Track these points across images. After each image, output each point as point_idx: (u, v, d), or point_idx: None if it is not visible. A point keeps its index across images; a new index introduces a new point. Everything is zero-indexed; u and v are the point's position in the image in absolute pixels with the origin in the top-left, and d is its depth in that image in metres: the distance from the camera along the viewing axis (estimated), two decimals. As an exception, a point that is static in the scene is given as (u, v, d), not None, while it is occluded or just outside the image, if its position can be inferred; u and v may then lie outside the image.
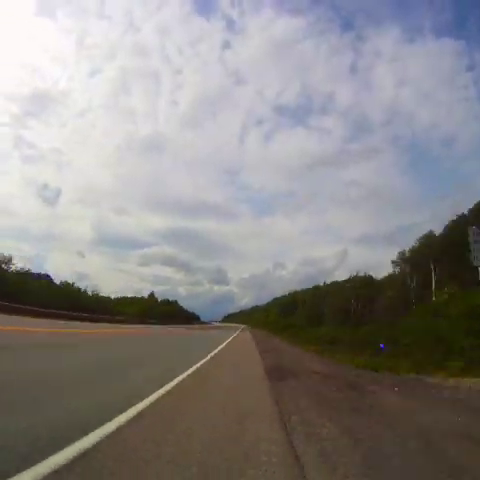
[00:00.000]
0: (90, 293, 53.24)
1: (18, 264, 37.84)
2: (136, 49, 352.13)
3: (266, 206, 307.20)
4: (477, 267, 12.90)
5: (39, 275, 48.04)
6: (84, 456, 2.35)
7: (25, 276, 38.72)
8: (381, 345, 13.80)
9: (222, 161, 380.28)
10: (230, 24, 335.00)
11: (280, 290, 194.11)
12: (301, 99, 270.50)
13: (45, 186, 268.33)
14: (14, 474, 1.99)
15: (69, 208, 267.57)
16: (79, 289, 50.36)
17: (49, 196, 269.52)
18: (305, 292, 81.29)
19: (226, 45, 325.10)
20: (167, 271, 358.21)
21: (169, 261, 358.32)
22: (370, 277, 53.47)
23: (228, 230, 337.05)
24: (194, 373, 6.83)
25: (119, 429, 3.00)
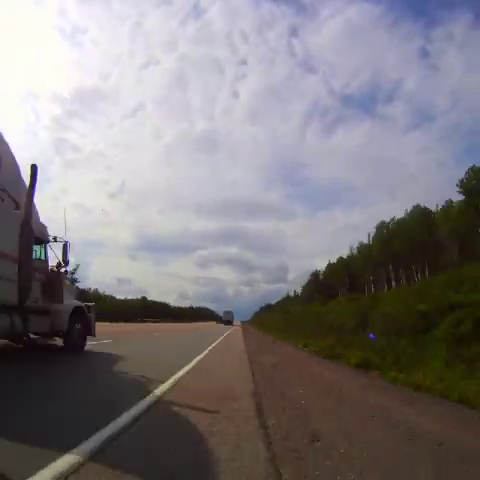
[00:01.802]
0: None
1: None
2: (199, 36, 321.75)
3: (324, 201, 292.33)
4: None
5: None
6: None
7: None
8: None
9: (281, 155, 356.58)
10: (301, 9, 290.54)
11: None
12: (368, 88, 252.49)
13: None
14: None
15: (116, 213, 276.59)
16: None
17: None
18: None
19: (295, 32, 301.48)
20: (219, 272, 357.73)
21: (224, 261, 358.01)
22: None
23: (285, 227, 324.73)
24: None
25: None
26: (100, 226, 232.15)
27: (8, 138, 6.36)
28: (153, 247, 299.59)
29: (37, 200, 6.99)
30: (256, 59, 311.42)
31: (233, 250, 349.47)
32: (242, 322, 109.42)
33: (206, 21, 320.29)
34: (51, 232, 8.59)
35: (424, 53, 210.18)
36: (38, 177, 6.72)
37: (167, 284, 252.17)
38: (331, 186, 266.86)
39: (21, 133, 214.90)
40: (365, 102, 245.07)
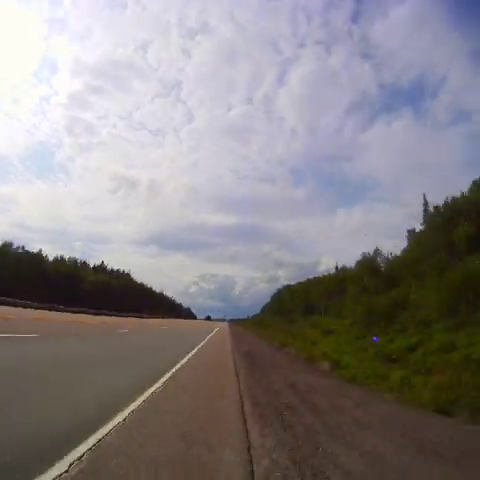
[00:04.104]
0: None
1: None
2: (264, 7, 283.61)
3: (354, 197, 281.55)
4: None
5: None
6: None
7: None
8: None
9: (318, 149, 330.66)
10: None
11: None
12: (416, 81, 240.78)
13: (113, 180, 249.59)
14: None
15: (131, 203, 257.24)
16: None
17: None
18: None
19: (357, 15, 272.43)
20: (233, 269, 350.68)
21: (239, 258, 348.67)
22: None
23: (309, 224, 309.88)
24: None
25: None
26: (108, 218, 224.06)
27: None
28: (165, 241, 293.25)
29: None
30: (313, 42, 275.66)
31: (253, 246, 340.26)
32: (229, 322, 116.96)
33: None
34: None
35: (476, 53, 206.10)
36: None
37: (172, 278, 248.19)
38: (362, 182, 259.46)
39: (32, 113, 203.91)
40: (410, 96, 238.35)
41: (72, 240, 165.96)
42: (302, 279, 66.02)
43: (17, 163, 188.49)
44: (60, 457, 2.78)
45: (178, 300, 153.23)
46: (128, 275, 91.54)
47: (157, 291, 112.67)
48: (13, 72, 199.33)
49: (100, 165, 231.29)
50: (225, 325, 75.90)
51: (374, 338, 14.46)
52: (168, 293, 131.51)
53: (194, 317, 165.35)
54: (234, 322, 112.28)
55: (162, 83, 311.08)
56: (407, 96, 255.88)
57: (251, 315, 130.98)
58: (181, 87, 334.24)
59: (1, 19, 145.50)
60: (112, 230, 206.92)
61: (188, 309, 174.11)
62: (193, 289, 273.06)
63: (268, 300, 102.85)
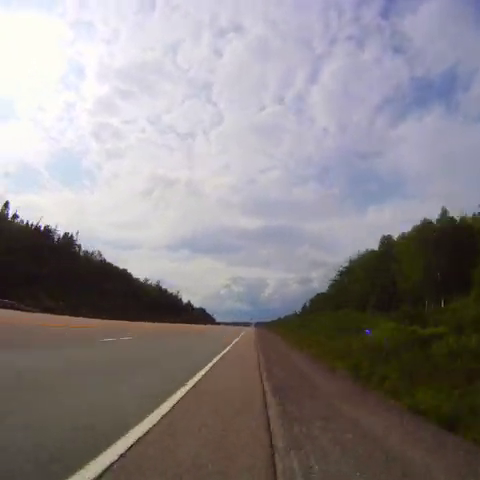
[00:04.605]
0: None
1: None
2: (297, 2, 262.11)
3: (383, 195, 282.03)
4: None
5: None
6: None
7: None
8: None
9: (349, 146, 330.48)
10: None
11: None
12: (448, 76, 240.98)
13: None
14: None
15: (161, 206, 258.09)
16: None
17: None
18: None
19: (387, 11, 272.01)
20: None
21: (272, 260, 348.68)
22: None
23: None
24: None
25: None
26: (136, 223, 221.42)
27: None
28: (194, 244, 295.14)
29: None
30: (345, 37, 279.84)
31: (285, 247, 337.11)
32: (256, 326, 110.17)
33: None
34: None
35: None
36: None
37: (201, 282, 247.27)
38: (394, 179, 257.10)
39: (57, 118, 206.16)
40: (442, 90, 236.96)
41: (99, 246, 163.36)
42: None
43: (43, 171, 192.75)
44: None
45: (201, 303, 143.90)
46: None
47: (147, 281, 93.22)
48: (39, 78, 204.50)
49: (128, 170, 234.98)
50: (251, 332, 51.93)
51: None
52: (195, 298, 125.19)
53: (212, 321, 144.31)
54: (262, 326, 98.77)
55: (192, 84, 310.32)
56: (438, 90, 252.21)
57: (283, 316, 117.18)
58: (211, 88, 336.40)
59: (25, 25, 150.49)
60: (140, 235, 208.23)
61: (201, 310, 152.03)
62: (222, 292, 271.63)
63: (301, 301, 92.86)
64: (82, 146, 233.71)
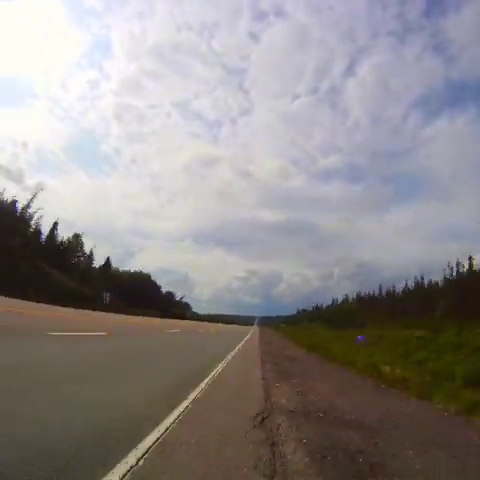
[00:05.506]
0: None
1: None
2: None
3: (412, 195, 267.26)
4: None
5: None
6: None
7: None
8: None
9: (379, 144, 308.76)
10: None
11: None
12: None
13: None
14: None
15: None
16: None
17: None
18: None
19: (430, 10, 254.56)
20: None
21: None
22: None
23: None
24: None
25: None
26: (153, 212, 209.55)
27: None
28: (213, 236, 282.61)
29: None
30: (387, 32, 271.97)
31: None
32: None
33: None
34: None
35: None
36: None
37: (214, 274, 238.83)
38: (420, 178, 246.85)
39: (80, 98, 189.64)
40: (476, 93, 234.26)
41: (116, 233, 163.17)
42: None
43: (60, 154, 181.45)
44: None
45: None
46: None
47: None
48: (62, 53, 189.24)
49: (149, 156, 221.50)
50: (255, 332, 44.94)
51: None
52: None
53: (195, 317, 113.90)
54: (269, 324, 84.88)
55: (226, 70, 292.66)
56: (473, 91, 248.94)
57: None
58: (245, 75, 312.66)
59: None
60: (156, 225, 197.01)
61: (183, 303, 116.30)
62: (234, 285, 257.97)
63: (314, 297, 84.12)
64: (102, 129, 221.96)
